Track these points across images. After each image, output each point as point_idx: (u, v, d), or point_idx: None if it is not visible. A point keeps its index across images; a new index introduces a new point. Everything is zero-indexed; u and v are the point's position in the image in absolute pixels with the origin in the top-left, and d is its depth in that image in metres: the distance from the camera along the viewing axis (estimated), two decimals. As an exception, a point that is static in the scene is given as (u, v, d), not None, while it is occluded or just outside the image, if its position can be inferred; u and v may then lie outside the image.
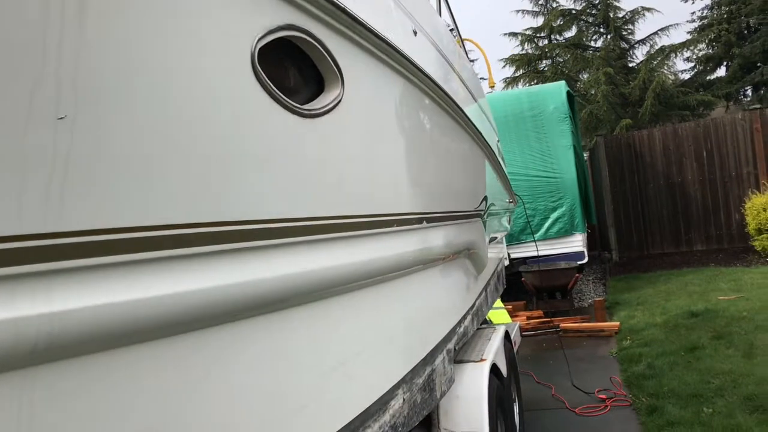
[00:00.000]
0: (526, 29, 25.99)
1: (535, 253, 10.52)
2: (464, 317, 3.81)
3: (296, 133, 1.63)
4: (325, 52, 1.75)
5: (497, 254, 6.10)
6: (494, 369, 4.14)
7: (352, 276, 2.01)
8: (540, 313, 9.20)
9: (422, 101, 2.69)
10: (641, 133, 14.25)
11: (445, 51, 3.18)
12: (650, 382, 5.98)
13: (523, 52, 26.11)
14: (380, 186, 2.18)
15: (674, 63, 24.59)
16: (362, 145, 2.05)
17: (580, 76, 24.98)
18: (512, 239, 10.24)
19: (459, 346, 3.68)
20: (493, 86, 5.75)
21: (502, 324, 5.24)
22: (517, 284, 10.05)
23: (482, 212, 4.33)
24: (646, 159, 13.75)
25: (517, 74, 25.85)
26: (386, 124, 2.29)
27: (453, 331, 3.44)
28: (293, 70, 1.76)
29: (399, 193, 2.41)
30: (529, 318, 9.04)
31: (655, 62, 23.05)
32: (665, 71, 23.34)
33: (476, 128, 3.93)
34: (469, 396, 3.65)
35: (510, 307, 9.32)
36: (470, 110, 4.03)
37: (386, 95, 2.29)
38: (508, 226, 6.72)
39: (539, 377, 6.80)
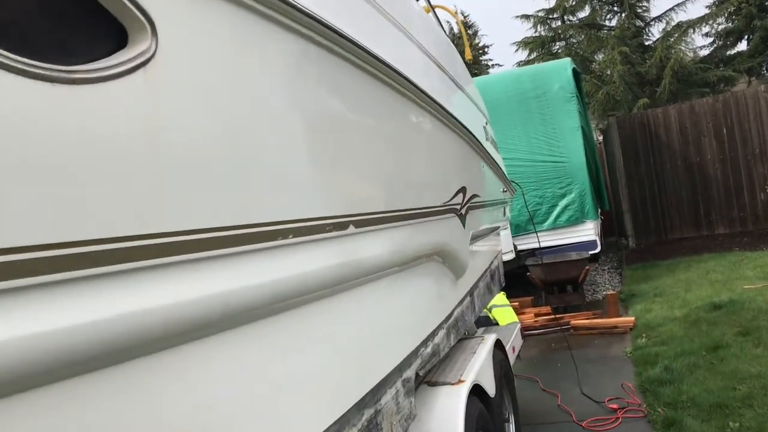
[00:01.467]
0: (538, 11, 25.14)
1: (546, 243, 9.86)
2: (434, 333, 3.18)
3: (53, 108, 1.01)
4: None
5: (491, 250, 5.45)
6: (477, 390, 3.53)
7: (210, 314, 1.40)
8: (549, 309, 8.53)
9: (339, 69, 2.06)
10: (656, 111, 13.45)
11: (386, 7, 2.55)
12: (667, 389, 5.31)
13: (536, 34, 25.30)
14: (251, 185, 1.55)
15: (692, 39, 23.56)
16: (212, 123, 1.41)
17: (595, 56, 24.17)
18: (519, 230, 9.57)
19: (425, 370, 3.06)
20: (470, 59, 5.09)
21: (493, 332, 4.60)
22: (526, 278, 9.39)
23: (458, 206, 3.69)
24: (662, 139, 12.96)
25: (530, 57, 25.04)
26: (268, 93, 1.67)
27: (414, 354, 2.82)
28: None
29: (294, 194, 1.78)
30: (537, 315, 8.38)
31: (672, 39, 22.15)
32: (683, 48, 22.44)
33: (443, 108, 3.29)
34: (442, 429, 3.05)
35: (516, 303, 8.66)
36: (436, 85, 3.40)
37: (267, 56, 1.66)
38: (505, 218, 6.06)
39: (545, 383, 6.17)
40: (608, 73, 22.55)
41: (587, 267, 8.74)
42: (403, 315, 2.82)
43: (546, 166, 9.79)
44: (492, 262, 5.44)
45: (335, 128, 2.08)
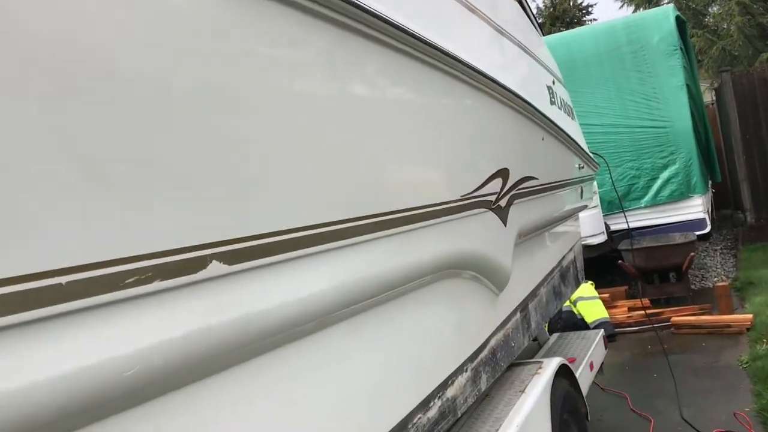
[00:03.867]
0: (643, -41, 22.90)
1: (645, 223, 8.56)
2: (445, 385, 2.21)
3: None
4: None
5: (560, 243, 4.37)
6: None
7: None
8: (646, 302, 7.25)
9: None
10: (781, 64, 11.58)
11: None
12: (798, 422, 4.10)
13: (644, -14, 23.13)
14: None
15: (824, -18, 20.75)
16: None
17: (709, 9, 21.80)
18: (612, 207, 8.30)
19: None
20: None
21: (557, 356, 3.55)
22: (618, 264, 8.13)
23: (494, 196, 2.67)
24: (788, 96, 11.11)
25: (637, 13, 22.93)
26: None
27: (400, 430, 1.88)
28: None
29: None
30: (630, 309, 7.15)
31: (802, -18, 19.55)
32: (814, -8, 19.78)
33: (462, 61, 2.27)
34: None
35: (607, 295, 7.46)
36: (450, 30, 2.38)
37: None
38: (583, 200, 4.91)
39: (636, 401, 5.04)
40: (724, 26, 20.30)
41: (692, 253, 7.37)
42: (386, 374, 1.87)
43: (645, 133, 8.41)
44: (563, 258, 4.36)
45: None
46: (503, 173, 2.80)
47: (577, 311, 6.89)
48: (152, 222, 1.07)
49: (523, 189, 3.09)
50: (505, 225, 2.83)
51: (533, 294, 3.47)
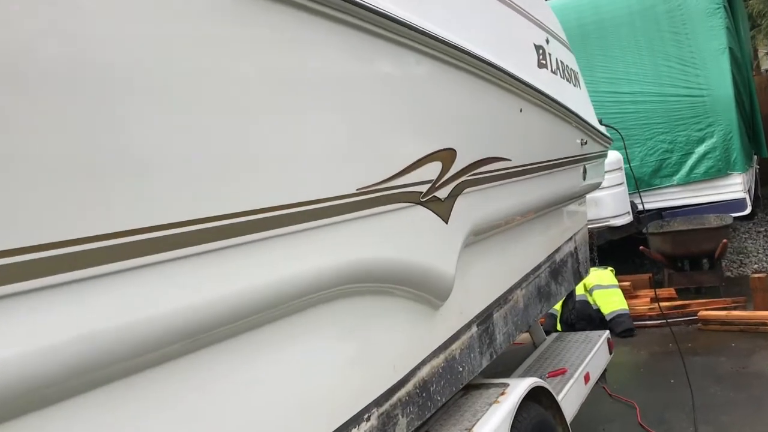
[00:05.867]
0: None
1: (677, 202, 7.77)
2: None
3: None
4: None
5: (551, 237, 3.71)
6: None
7: None
8: (664, 293, 6.48)
9: None
10: (843, 26, 10.47)
11: None
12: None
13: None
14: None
15: None
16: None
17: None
18: (641, 184, 7.51)
19: None
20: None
21: (528, 378, 2.90)
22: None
23: (427, 186, 2.06)
24: None
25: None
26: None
27: None
28: None
29: None
30: (653, 300, 6.42)
31: None
32: None
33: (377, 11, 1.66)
34: None
35: (628, 283, 6.73)
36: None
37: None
38: (587, 180, 4.19)
39: (647, 412, 4.39)
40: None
41: (725, 240, 6.54)
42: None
43: (680, 102, 7.55)
44: (557, 251, 3.70)
45: None
46: (444, 155, 2.18)
47: (593, 301, 6.22)
48: None
49: (480, 174, 2.46)
50: (447, 222, 2.21)
51: (502, 300, 2.85)
